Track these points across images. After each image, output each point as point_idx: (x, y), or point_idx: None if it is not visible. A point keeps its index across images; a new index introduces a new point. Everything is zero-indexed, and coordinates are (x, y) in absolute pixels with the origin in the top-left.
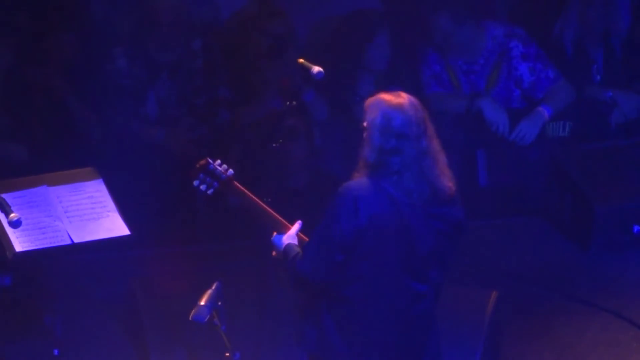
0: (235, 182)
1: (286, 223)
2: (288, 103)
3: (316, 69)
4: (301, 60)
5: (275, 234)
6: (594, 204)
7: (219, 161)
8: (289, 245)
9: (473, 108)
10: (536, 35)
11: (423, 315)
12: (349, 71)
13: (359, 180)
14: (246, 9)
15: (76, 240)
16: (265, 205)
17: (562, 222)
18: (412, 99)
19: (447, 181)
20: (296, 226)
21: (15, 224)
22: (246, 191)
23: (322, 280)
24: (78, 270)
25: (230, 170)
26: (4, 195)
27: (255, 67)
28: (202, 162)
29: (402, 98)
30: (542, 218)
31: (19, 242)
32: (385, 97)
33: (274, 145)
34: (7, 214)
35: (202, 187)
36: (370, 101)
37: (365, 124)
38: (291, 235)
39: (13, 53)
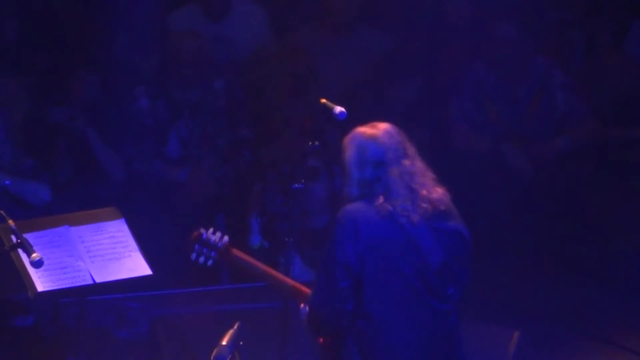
0: (234, 250)
1: (300, 286)
2: (310, 143)
3: (338, 109)
4: (323, 100)
5: (302, 306)
6: (616, 243)
7: (212, 229)
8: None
9: (497, 151)
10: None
11: (450, 335)
12: (372, 111)
13: (356, 203)
14: (267, 48)
15: (98, 280)
16: (269, 269)
17: (585, 261)
18: (387, 126)
19: (442, 196)
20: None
21: (37, 264)
22: (246, 257)
23: (334, 312)
24: (100, 310)
25: (226, 237)
26: (26, 235)
27: (277, 106)
28: (195, 233)
29: (375, 128)
30: (565, 256)
31: (41, 282)
32: (360, 130)
33: (296, 185)
34: (29, 254)
35: (201, 259)
36: (346, 138)
37: (344, 161)
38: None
39: (35, 93)
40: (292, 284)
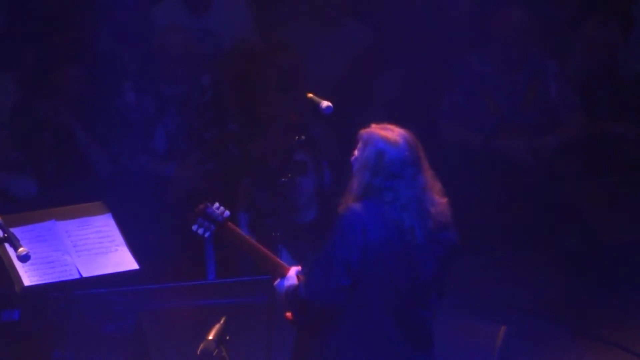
0: (230, 224)
1: (282, 263)
2: (297, 137)
3: (325, 103)
4: (310, 94)
5: (278, 280)
6: (605, 237)
7: (217, 204)
8: (289, 285)
9: (489, 146)
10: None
11: (427, 339)
12: (358, 105)
13: (362, 203)
14: (252, 42)
15: (85, 274)
16: (260, 247)
17: (572, 256)
18: (406, 134)
19: (445, 209)
20: (295, 268)
21: (23, 259)
22: (240, 232)
23: (327, 304)
24: (86, 305)
25: (227, 212)
26: (13, 230)
27: (264, 101)
28: (201, 206)
29: (396, 134)
30: (552, 252)
31: (28, 277)
32: (380, 131)
33: (283, 179)
34: (15, 248)
35: (200, 230)
36: (363, 134)
37: (354, 156)
38: (291, 276)
39: (21, 87)
40: (278, 261)
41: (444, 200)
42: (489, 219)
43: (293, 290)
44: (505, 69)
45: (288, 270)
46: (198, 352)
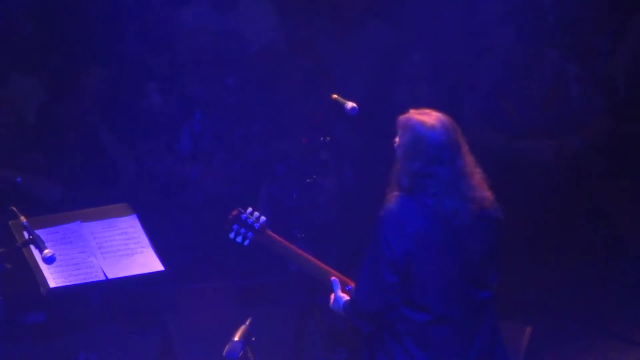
0: (268, 231)
1: (329, 269)
2: (321, 138)
3: (350, 104)
4: (334, 95)
5: (333, 278)
6: (629, 238)
7: (250, 209)
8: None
9: (512, 148)
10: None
11: (490, 322)
12: (382, 106)
13: (398, 200)
14: (277, 43)
15: (110, 276)
16: (302, 252)
17: (597, 256)
18: (443, 117)
19: (486, 193)
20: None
21: (49, 260)
22: (281, 239)
23: (380, 306)
24: (112, 306)
25: (263, 218)
26: (38, 232)
27: (288, 102)
28: (234, 212)
29: (433, 118)
30: (576, 253)
31: (53, 278)
32: (417, 116)
33: (307, 180)
34: (41, 250)
35: (238, 239)
36: (401, 120)
37: (396, 143)
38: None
39: (47, 89)
40: (327, 268)
41: (487, 191)
42: (512, 220)
43: (345, 302)
44: (521, 73)
45: (340, 276)
46: (224, 354)
